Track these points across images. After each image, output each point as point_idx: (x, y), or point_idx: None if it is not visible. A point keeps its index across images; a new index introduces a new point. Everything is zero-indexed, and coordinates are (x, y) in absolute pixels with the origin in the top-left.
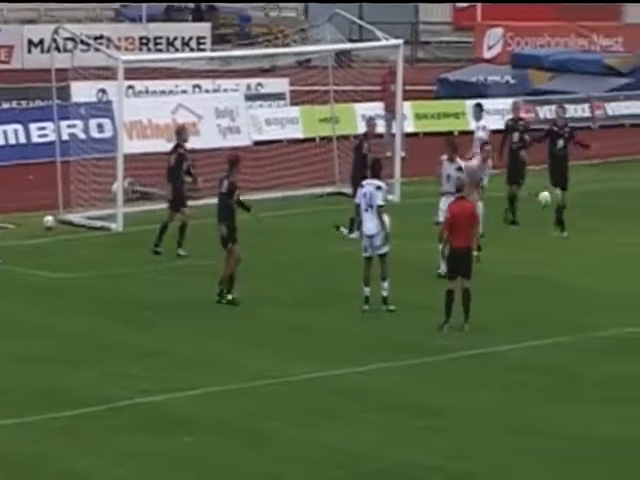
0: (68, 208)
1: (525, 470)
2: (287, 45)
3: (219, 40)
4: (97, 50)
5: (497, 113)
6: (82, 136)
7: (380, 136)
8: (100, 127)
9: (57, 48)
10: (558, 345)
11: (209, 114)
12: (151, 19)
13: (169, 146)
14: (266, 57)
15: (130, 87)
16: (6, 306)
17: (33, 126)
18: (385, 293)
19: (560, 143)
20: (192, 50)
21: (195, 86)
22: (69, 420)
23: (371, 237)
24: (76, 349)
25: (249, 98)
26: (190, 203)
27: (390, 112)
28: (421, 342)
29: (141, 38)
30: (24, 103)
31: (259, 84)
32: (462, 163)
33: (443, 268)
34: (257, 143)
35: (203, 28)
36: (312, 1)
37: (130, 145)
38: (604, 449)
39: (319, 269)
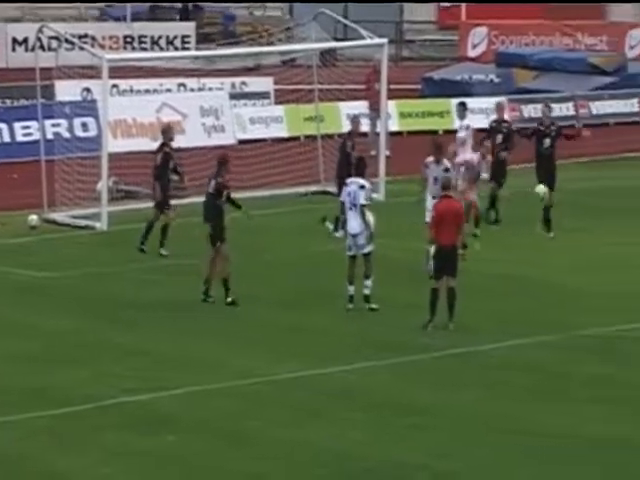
0: (52, 207)
1: (510, 469)
2: (272, 44)
3: (204, 39)
4: (81, 49)
5: (481, 112)
6: (66, 135)
7: (364, 135)
8: (84, 126)
9: (41, 47)
10: (543, 344)
11: (194, 113)
12: (136, 18)
13: (154, 145)
14: (251, 56)
15: (114, 86)
16: None
17: (17, 125)
18: (367, 291)
19: (547, 142)
20: (177, 49)
21: (180, 85)
22: (54, 419)
23: (355, 236)
24: (60, 348)
25: (234, 97)
26: (176, 202)
27: (374, 111)
28: (406, 341)
29: (125, 37)
30: (8, 102)
31: (243, 83)
32: (449, 164)
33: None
34: (242, 142)
35: (188, 27)
36: (297, 0)
37: (115, 144)
38: (591, 448)
39: (304, 268)
